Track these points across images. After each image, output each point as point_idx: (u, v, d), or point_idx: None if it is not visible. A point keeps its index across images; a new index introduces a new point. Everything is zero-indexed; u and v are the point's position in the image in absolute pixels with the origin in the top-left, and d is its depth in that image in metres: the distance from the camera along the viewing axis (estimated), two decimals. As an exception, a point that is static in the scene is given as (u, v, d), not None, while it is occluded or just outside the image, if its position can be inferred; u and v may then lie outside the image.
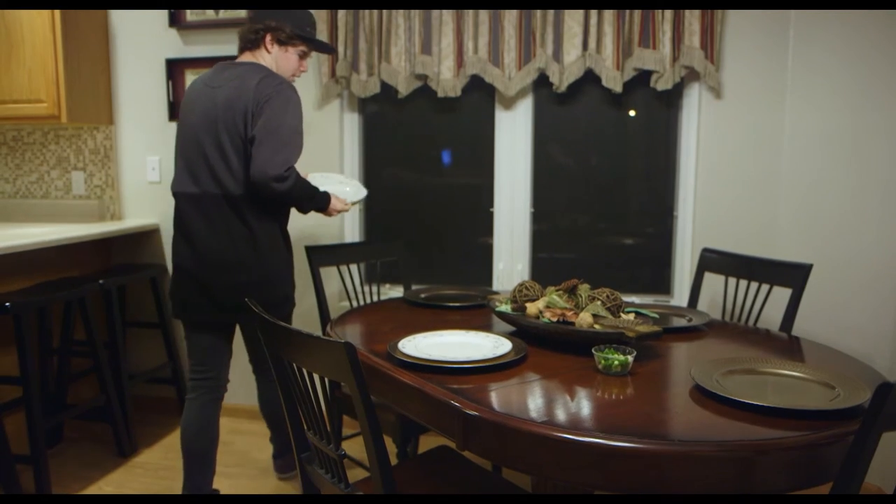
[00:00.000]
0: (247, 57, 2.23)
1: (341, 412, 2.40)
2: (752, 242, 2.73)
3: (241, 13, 3.04)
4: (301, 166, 3.10)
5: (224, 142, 2.10)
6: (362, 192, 2.54)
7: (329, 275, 3.11)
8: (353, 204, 2.47)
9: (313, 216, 3.11)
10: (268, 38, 2.19)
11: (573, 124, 2.96)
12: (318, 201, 2.24)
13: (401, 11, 2.81)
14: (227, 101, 2.10)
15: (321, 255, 2.57)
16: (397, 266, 2.78)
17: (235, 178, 2.11)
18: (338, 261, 2.62)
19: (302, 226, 3.15)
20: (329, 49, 2.35)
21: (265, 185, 2.03)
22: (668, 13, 2.59)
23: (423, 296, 2.36)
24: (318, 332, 2.24)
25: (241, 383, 3.33)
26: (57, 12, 2.90)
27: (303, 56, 2.28)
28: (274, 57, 2.22)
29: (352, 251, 2.67)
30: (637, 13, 2.63)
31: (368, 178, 3.18)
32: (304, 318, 3.20)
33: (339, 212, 2.34)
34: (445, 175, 3.12)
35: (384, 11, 2.81)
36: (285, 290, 2.26)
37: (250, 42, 2.22)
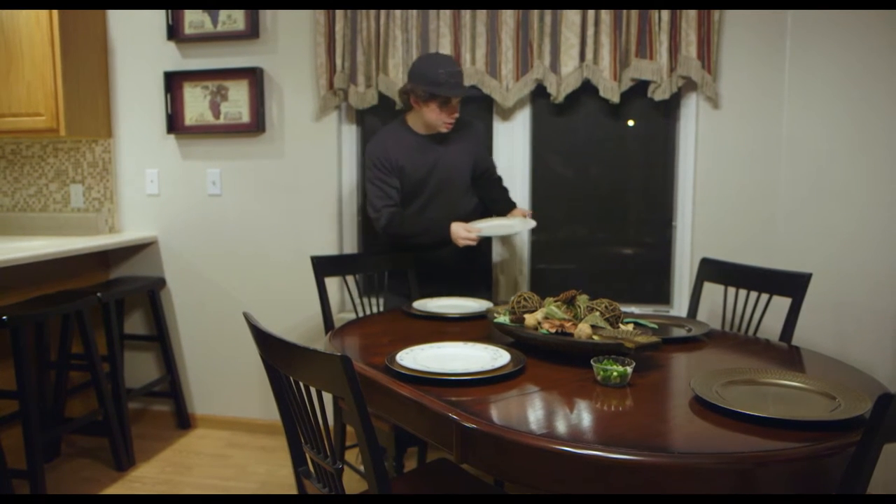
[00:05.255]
0: (408, 116, 2.58)
1: (344, 424, 2.38)
2: (752, 252, 2.72)
3: (239, 27, 3.05)
4: (298, 177, 3.11)
5: None
6: (530, 223, 2.54)
7: (328, 285, 3.11)
8: (505, 233, 2.52)
9: (308, 222, 3.12)
10: (412, 99, 2.48)
11: (571, 135, 2.96)
12: (430, 235, 2.48)
13: (398, 24, 2.82)
14: None
15: (327, 265, 2.56)
16: (406, 277, 2.77)
17: None
18: (344, 271, 2.62)
19: (301, 232, 3.15)
20: (468, 91, 2.49)
21: None
22: (665, 24, 2.60)
23: (418, 306, 2.34)
24: (321, 344, 2.22)
25: (239, 396, 3.32)
26: (56, 26, 2.91)
27: (443, 105, 2.43)
28: (421, 113, 2.49)
29: (359, 262, 2.67)
30: (634, 24, 2.64)
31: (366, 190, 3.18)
32: (307, 328, 3.20)
33: (465, 239, 2.42)
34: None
35: (382, 23, 2.82)
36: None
37: (406, 105, 2.55)
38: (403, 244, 2.58)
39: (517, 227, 2.49)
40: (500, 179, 2.77)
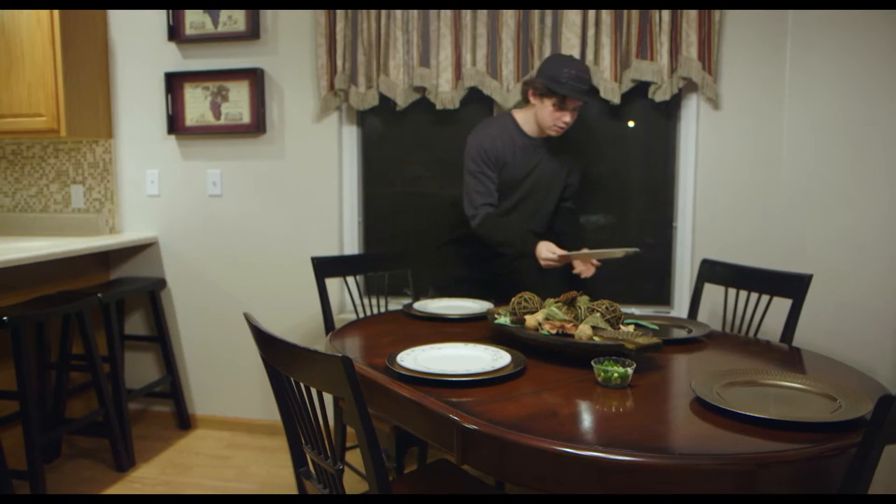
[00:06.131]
0: (515, 109, 2.50)
1: (344, 424, 2.38)
2: (752, 253, 2.72)
3: (240, 27, 3.05)
4: (299, 178, 3.11)
5: None
6: (631, 250, 2.25)
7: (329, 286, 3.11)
8: (610, 256, 2.21)
9: (309, 223, 3.12)
10: (529, 92, 2.39)
11: (572, 135, 2.95)
12: (516, 246, 2.37)
13: (399, 24, 2.82)
14: None
15: (327, 266, 2.56)
16: (406, 278, 2.78)
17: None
18: (345, 272, 2.61)
19: (302, 233, 3.15)
20: (586, 97, 2.32)
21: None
22: (666, 25, 2.60)
23: (418, 307, 2.34)
24: (322, 345, 2.23)
25: (239, 396, 3.32)
26: (57, 26, 2.91)
27: (558, 106, 2.32)
28: (536, 109, 2.39)
29: (359, 263, 2.66)
30: (634, 25, 2.64)
31: (367, 190, 3.18)
32: (308, 329, 3.20)
33: (546, 260, 2.29)
34: (444, 187, 3.11)
35: (382, 24, 2.82)
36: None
37: (523, 96, 2.45)
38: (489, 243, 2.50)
39: (615, 254, 2.19)
40: (571, 210, 2.67)
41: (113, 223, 3.35)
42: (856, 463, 1.05)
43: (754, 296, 2.54)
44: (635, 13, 2.63)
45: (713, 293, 2.72)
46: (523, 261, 2.42)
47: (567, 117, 2.36)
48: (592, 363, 1.53)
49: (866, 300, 2.63)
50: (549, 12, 2.70)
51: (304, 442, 1.49)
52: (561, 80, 2.29)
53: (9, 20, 2.95)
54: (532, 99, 2.39)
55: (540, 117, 2.39)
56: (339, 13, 2.87)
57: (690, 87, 2.73)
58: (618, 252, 2.17)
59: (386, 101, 2.93)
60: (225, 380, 3.34)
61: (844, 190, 2.62)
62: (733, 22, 2.64)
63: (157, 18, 3.17)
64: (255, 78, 3.07)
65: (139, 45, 3.22)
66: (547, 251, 2.29)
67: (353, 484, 2.65)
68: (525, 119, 2.46)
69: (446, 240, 2.67)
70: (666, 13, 2.60)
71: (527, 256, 2.35)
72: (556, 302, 1.82)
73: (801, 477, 1.15)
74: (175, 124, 3.20)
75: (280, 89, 3.09)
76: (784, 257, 2.70)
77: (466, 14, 2.76)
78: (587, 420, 1.30)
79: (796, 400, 1.38)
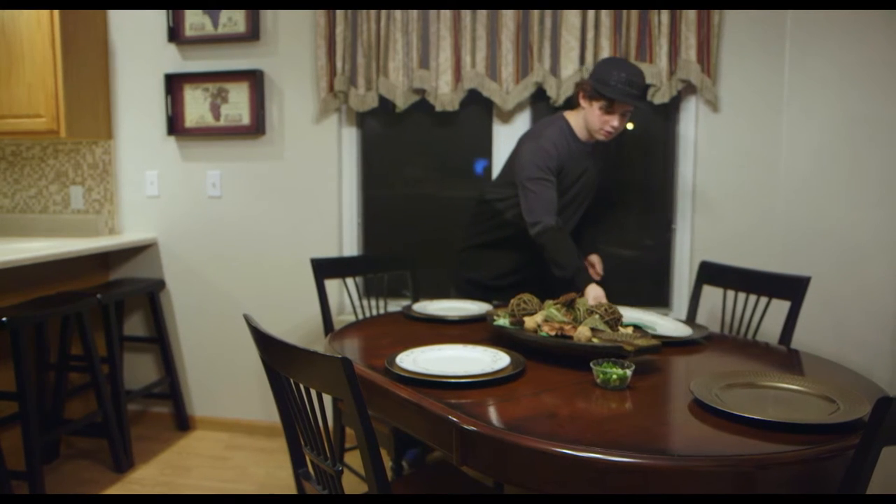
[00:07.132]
0: (567, 112, 2.45)
1: (343, 425, 2.38)
2: (751, 255, 2.73)
3: (240, 29, 3.05)
4: (298, 179, 3.11)
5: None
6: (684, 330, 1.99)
7: (328, 287, 3.11)
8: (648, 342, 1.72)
9: (308, 224, 3.12)
10: (580, 94, 2.37)
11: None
12: (566, 272, 2.26)
13: (398, 26, 2.82)
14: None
15: (327, 267, 2.56)
16: (406, 280, 2.78)
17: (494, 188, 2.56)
18: (344, 274, 2.62)
19: (301, 235, 3.15)
20: (636, 102, 2.26)
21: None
22: (665, 27, 2.61)
23: (418, 309, 2.34)
24: (321, 346, 2.23)
25: (238, 397, 3.32)
26: (57, 27, 2.92)
27: (606, 110, 2.28)
28: (585, 111, 2.37)
29: (359, 264, 2.66)
30: (633, 27, 2.64)
31: (367, 192, 3.19)
32: (307, 330, 3.20)
33: (594, 298, 2.16)
34: (444, 188, 3.12)
35: (382, 26, 2.83)
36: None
37: (574, 97, 2.44)
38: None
39: (664, 328, 1.99)
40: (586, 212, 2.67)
41: (112, 224, 3.35)
42: (854, 464, 1.05)
43: (753, 298, 2.54)
44: (634, 16, 2.64)
45: (712, 295, 2.72)
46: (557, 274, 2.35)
47: (615, 122, 2.30)
48: (591, 365, 1.53)
49: (865, 301, 2.63)
50: (548, 15, 2.70)
51: (303, 443, 1.49)
52: (610, 82, 2.24)
53: (9, 21, 2.95)
54: (582, 101, 2.35)
55: (588, 120, 2.35)
56: (339, 15, 2.87)
57: (689, 89, 2.73)
58: (666, 326, 2.01)
59: (385, 103, 2.94)
60: (224, 381, 3.34)
61: (843, 191, 2.62)
62: (732, 24, 2.65)
63: (157, 19, 3.17)
64: (254, 79, 3.08)
65: (139, 46, 3.22)
66: (594, 300, 2.16)
67: (353, 485, 2.66)
68: (577, 123, 2.41)
69: (474, 242, 2.60)
70: (665, 16, 2.61)
71: (571, 283, 2.27)
72: (556, 304, 1.83)
73: (800, 478, 1.15)
74: (175, 125, 3.21)
75: (280, 91, 3.10)
76: (783, 259, 2.70)
77: (466, 16, 2.77)
78: (586, 421, 1.31)
79: (795, 402, 1.38)
